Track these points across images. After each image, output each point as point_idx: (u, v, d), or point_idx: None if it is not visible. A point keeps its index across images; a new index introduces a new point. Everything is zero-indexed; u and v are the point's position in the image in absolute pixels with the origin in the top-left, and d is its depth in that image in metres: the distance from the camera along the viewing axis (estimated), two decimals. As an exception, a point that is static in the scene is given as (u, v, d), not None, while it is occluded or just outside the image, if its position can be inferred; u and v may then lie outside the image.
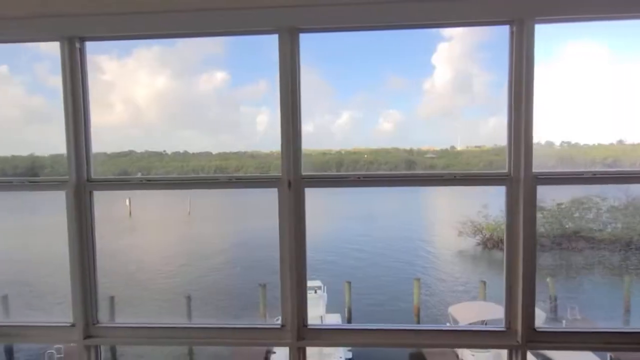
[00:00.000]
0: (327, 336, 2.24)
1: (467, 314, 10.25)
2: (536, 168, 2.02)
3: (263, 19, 2.05)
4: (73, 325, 2.40)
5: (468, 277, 13.98)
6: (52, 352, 9.84)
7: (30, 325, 2.51)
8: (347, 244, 16.41)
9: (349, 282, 11.98)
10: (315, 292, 11.21)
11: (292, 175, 2.13)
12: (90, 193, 2.39)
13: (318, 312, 10.73)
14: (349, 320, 11.65)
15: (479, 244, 15.35)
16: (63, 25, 2.22)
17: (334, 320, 11.11)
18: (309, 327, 2.21)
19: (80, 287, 2.37)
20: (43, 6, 2.22)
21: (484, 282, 12.02)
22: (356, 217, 18.33)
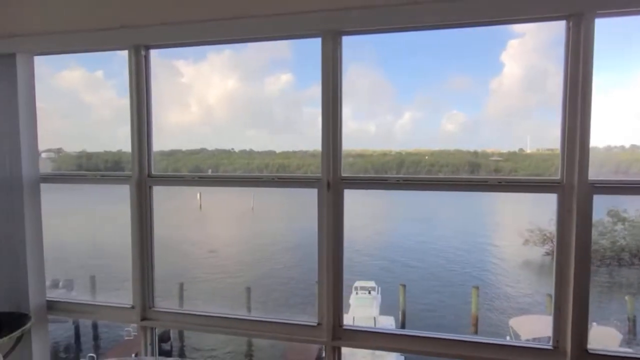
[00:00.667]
0: (363, 338, 2.21)
1: (530, 328, 9.52)
2: (594, 175, 1.83)
3: (306, 23, 2.07)
4: (133, 308, 2.61)
5: (534, 289, 13.00)
6: (129, 330, 10.76)
7: (99, 304, 2.77)
8: (404, 246, 16.03)
9: (404, 285, 11.68)
10: (369, 292, 11.08)
11: (332, 176, 2.13)
12: (150, 188, 2.58)
13: (371, 313, 10.60)
14: (403, 324, 11.38)
15: (547, 254, 14.21)
16: (130, 35, 2.41)
17: (388, 322, 10.90)
18: (344, 327, 2.20)
19: (140, 273, 2.57)
20: (113, 19, 2.43)
21: (551, 296, 11.01)
22: (415, 219, 17.83)
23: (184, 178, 2.55)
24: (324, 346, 2.22)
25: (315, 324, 2.22)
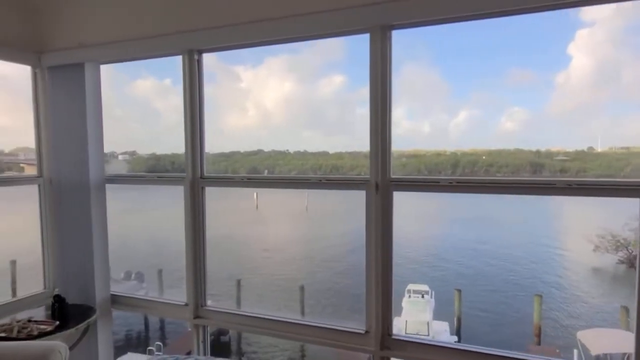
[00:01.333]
0: (413, 349, 2.07)
1: (601, 342, 8.61)
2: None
3: (354, 18, 1.97)
4: (186, 305, 2.66)
5: (605, 300, 11.79)
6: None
7: (156, 300, 2.87)
8: (459, 249, 15.29)
9: (459, 290, 11.10)
10: (422, 296, 10.66)
11: (380, 178, 2.01)
12: (203, 189, 2.61)
13: (424, 318, 10.20)
14: (458, 331, 10.81)
15: (621, 262, 12.85)
16: (183, 40, 2.45)
17: (442, 327, 10.43)
18: (393, 337, 2.07)
19: (193, 271, 2.61)
20: (169, 25, 2.49)
21: (626, 308, 9.91)
22: (471, 220, 16.93)
23: (234, 179, 2.55)
24: (371, 355, 2.11)
25: (363, 332, 2.11)
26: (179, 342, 10.85)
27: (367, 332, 2.10)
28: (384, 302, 2.05)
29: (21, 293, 2.94)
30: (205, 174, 2.62)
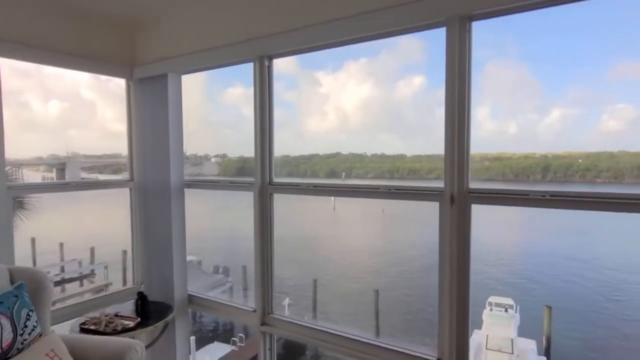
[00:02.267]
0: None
1: None
2: None
3: (428, 10, 1.75)
4: (254, 311, 2.63)
5: None
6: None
7: (228, 304, 2.88)
8: (549, 263, 13.67)
9: (550, 307, 9.87)
10: (506, 310, 9.70)
11: (457, 189, 1.76)
12: (271, 195, 2.56)
13: (508, 334, 9.25)
14: (547, 351, 9.63)
15: None
16: (254, 47, 2.43)
17: (528, 345, 9.37)
18: (471, 368, 1.79)
19: (261, 277, 2.57)
20: (238, 34, 2.48)
21: None
22: (566, 232, 15.01)
23: (301, 186, 2.45)
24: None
25: (436, 359, 1.87)
26: (251, 340, 11.22)
27: (439, 359, 1.85)
28: (458, 328, 1.79)
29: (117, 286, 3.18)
30: (274, 180, 2.56)
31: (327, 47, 2.30)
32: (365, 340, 2.12)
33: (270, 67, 2.52)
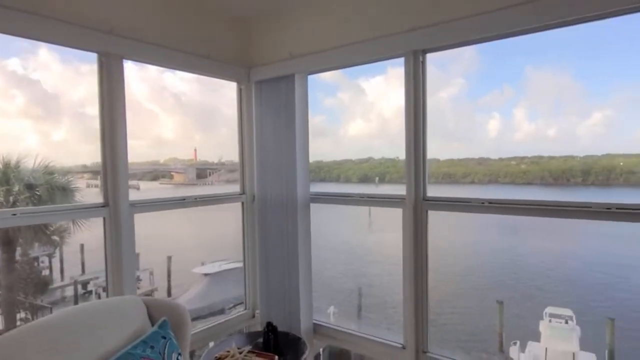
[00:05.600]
0: None
1: None
2: None
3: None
4: (404, 348, 2.16)
5: None
6: None
7: (365, 336, 2.37)
8: (615, 272, 12.62)
9: (612, 319, 9.11)
10: (567, 322, 8.97)
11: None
12: (426, 213, 2.10)
13: (570, 347, 8.52)
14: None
15: None
16: (409, 40, 1.99)
17: (589, 359, 8.63)
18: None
19: (413, 308, 2.11)
20: (387, 26, 2.06)
21: None
22: (612, 235, 13.90)
23: (471, 202, 1.98)
24: None
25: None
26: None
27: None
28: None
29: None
30: (428, 195, 2.10)
31: (490, 40, 1.86)
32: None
33: (424, 63, 2.08)
